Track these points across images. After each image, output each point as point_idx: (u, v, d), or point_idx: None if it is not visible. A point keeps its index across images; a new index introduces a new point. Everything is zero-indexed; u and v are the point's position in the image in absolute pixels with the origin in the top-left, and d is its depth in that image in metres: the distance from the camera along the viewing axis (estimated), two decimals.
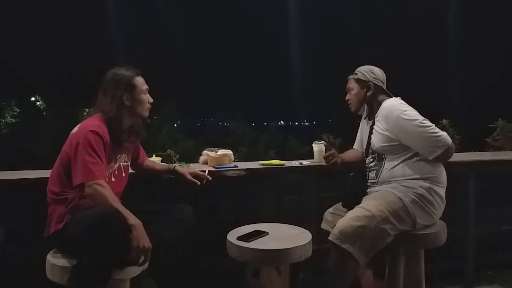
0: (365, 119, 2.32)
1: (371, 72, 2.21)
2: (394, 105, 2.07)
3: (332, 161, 2.25)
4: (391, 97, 2.18)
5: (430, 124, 2.00)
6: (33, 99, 14.05)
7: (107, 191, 1.71)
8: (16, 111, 13.00)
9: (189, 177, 2.19)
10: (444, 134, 2.00)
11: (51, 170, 1.89)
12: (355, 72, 2.25)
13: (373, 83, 2.18)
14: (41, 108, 13.81)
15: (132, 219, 1.66)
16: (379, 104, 2.15)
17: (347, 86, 2.29)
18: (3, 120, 12.90)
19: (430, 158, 2.01)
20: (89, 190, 1.70)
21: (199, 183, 2.18)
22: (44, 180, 1.91)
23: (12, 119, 12.89)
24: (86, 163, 1.72)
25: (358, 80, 2.22)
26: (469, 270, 2.71)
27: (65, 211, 1.78)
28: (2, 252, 2.16)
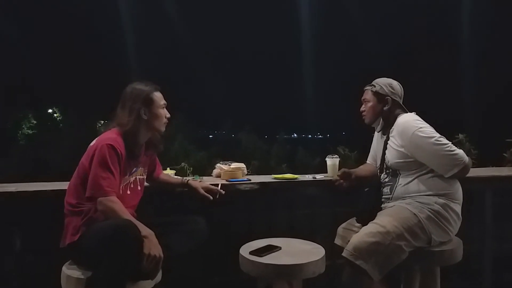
0: (378, 132, 2.29)
1: (389, 86, 2.17)
2: (409, 121, 2.04)
3: (337, 183, 2.33)
4: (407, 112, 2.15)
5: (447, 142, 1.97)
6: (50, 111, 14.33)
7: (118, 206, 1.73)
8: (33, 122, 13.29)
9: (202, 191, 2.20)
10: (460, 152, 1.96)
11: (68, 182, 1.92)
12: (373, 83, 2.20)
13: (391, 97, 2.15)
14: (57, 120, 14.07)
15: (144, 230, 1.68)
16: (395, 119, 2.12)
17: (363, 97, 2.23)
18: (21, 132, 13.17)
19: (446, 176, 1.98)
20: (100, 206, 1.74)
21: (211, 197, 2.19)
22: (61, 192, 1.94)
23: (29, 131, 13.16)
24: (98, 178, 1.75)
25: (376, 93, 2.17)
26: None
27: (80, 223, 1.80)
28: (18, 262, 2.19)
